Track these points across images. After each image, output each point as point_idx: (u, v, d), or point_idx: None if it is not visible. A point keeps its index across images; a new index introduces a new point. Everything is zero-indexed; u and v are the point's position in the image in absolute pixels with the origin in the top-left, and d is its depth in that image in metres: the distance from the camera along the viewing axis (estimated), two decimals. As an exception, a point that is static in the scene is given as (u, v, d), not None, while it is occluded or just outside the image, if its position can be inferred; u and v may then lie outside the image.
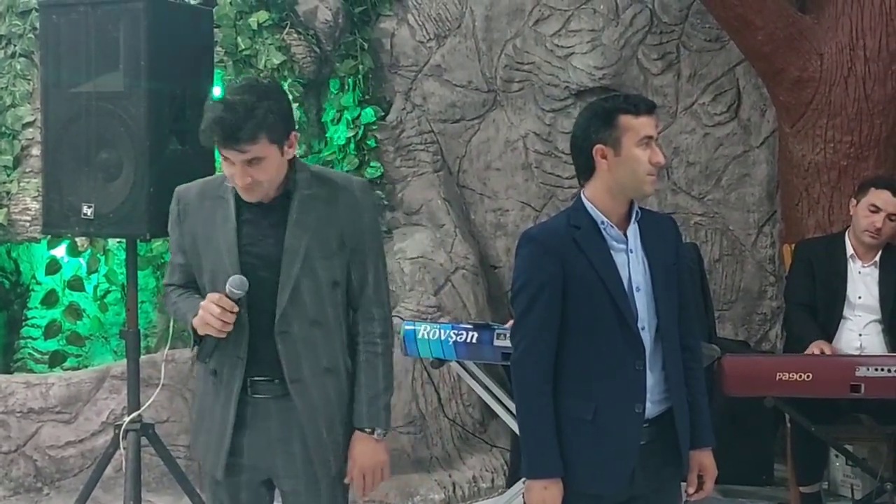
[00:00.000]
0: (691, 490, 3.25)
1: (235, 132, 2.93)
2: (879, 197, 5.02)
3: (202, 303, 3.04)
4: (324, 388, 3.11)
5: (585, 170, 3.14)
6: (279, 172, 3.06)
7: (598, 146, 3.08)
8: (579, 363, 3.07)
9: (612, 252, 3.08)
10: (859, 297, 5.05)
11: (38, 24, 4.85)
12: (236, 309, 3.02)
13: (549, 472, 3.06)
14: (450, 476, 5.95)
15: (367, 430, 3.16)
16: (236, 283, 3.00)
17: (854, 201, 5.14)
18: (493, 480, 6.01)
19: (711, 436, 3.26)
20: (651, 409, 3.09)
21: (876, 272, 5.08)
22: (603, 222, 3.10)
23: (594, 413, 3.05)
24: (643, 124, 3.06)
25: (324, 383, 3.11)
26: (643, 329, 3.07)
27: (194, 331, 3.10)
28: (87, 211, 4.23)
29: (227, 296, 2.99)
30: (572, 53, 6.90)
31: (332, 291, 3.11)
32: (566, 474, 3.06)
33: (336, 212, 3.11)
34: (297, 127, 3.18)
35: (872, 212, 5.01)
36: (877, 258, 5.09)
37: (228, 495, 3.22)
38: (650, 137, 3.06)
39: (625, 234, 3.11)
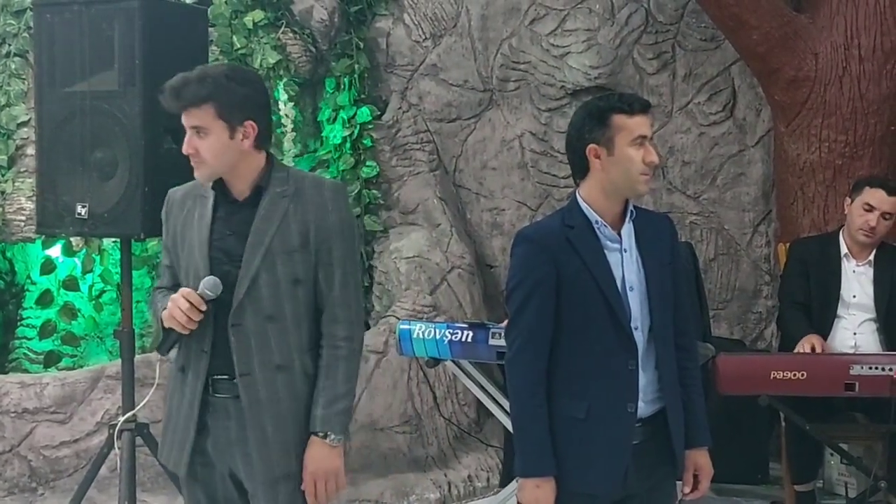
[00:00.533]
0: (687, 490, 3.25)
1: (180, 90, 3.03)
2: (873, 196, 5.02)
3: (172, 296, 3.06)
4: (273, 385, 3.08)
5: (580, 169, 3.14)
6: (228, 157, 3.06)
7: (592, 146, 3.08)
8: (572, 362, 3.07)
9: (605, 251, 3.08)
10: (854, 296, 5.06)
11: (32, 24, 4.84)
12: (205, 307, 3.03)
13: (542, 471, 3.05)
14: (445, 475, 5.95)
15: (320, 434, 3.09)
16: (209, 284, 3.02)
17: (848, 200, 5.15)
18: (488, 479, 6.02)
19: (707, 436, 3.26)
20: (644, 408, 3.09)
21: (870, 271, 5.08)
22: (597, 222, 3.09)
23: (587, 412, 3.05)
24: (637, 124, 3.05)
25: (273, 380, 3.08)
26: (636, 329, 3.07)
27: (162, 325, 3.12)
28: (82, 210, 4.23)
29: (199, 295, 3.02)
30: (568, 53, 6.90)
31: (291, 288, 3.09)
32: (559, 473, 3.06)
33: (302, 209, 3.10)
34: (264, 118, 3.16)
35: (867, 210, 5.01)
36: (871, 257, 5.09)
37: (205, 493, 3.22)
38: (644, 137, 3.05)
39: (619, 234, 3.11)
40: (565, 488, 3.07)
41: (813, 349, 4.76)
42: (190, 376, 3.13)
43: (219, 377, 3.10)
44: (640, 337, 3.08)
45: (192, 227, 3.14)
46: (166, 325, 3.08)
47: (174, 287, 3.20)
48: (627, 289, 3.08)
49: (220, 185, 3.14)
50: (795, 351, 4.82)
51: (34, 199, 4.60)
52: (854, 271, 5.11)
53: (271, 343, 3.08)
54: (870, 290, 5.05)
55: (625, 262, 3.09)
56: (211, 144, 3.03)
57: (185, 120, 3.05)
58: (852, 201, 5.11)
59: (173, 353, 3.19)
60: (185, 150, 3.05)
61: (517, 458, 3.12)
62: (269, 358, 3.08)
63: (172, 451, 3.18)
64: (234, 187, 3.14)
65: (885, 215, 5.00)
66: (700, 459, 3.23)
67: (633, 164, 3.04)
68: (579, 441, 3.06)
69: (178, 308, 3.01)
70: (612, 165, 3.06)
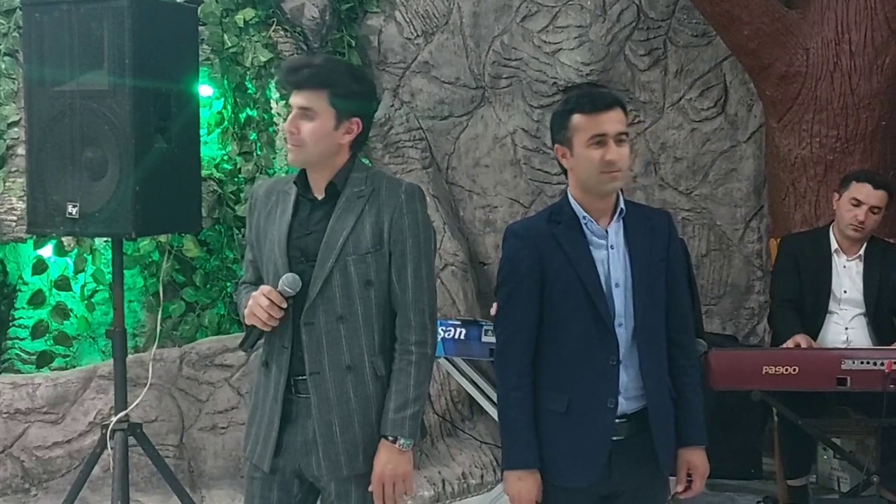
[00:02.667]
0: (680, 488, 3.24)
1: (300, 69, 3.10)
2: (861, 190, 5.03)
3: (254, 293, 3.08)
4: (342, 385, 3.09)
5: (562, 167, 3.18)
6: (326, 146, 3.08)
7: (557, 146, 3.14)
8: (555, 356, 3.11)
9: (591, 248, 3.10)
10: (844, 291, 5.06)
11: (21, 23, 4.83)
12: (285, 305, 3.05)
13: (524, 464, 3.09)
14: (439, 472, 5.95)
15: (390, 438, 3.09)
16: (289, 281, 3.04)
17: (837, 196, 5.16)
18: (482, 476, 6.02)
19: (702, 434, 3.24)
20: (628, 405, 3.10)
21: (861, 266, 5.09)
22: (584, 218, 3.11)
23: (567, 406, 3.08)
24: (594, 122, 3.04)
25: (343, 380, 3.09)
26: (620, 325, 3.08)
27: (244, 321, 3.15)
28: (73, 210, 4.23)
29: (279, 292, 3.04)
30: (560, 49, 6.90)
31: (363, 290, 3.09)
32: (543, 466, 3.09)
33: (377, 210, 3.11)
34: (368, 124, 3.22)
35: (854, 205, 5.03)
36: (861, 252, 5.10)
37: (260, 492, 3.21)
38: (603, 135, 3.03)
39: (606, 230, 3.11)
40: (548, 481, 3.11)
41: (798, 346, 4.76)
42: (273, 371, 3.15)
43: (300, 377, 3.12)
44: (623, 334, 3.09)
45: (274, 223, 3.16)
46: (248, 321, 3.10)
47: (257, 282, 3.23)
48: (613, 285, 3.09)
49: (302, 183, 3.16)
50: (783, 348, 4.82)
51: (25, 199, 4.58)
52: (845, 266, 5.11)
53: (342, 343, 3.09)
54: (860, 284, 5.06)
55: (611, 259, 3.10)
56: (315, 128, 3.06)
57: (296, 99, 3.07)
58: (840, 197, 5.12)
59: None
60: (287, 127, 3.06)
61: (502, 451, 3.17)
62: (340, 358, 3.09)
63: (257, 445, 3.19)
64: (315, 183, 3.15)
65: (874, 209, 5.01)
66: (693, 458, 3.22)
67: (591, 163, 3.05)
68: (560, 435, 3.09)
69: (259, 305, 3.03)
70: (575, 165, 3.10)
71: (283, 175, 3.39)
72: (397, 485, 3.11)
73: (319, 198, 3.14)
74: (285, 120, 3.09)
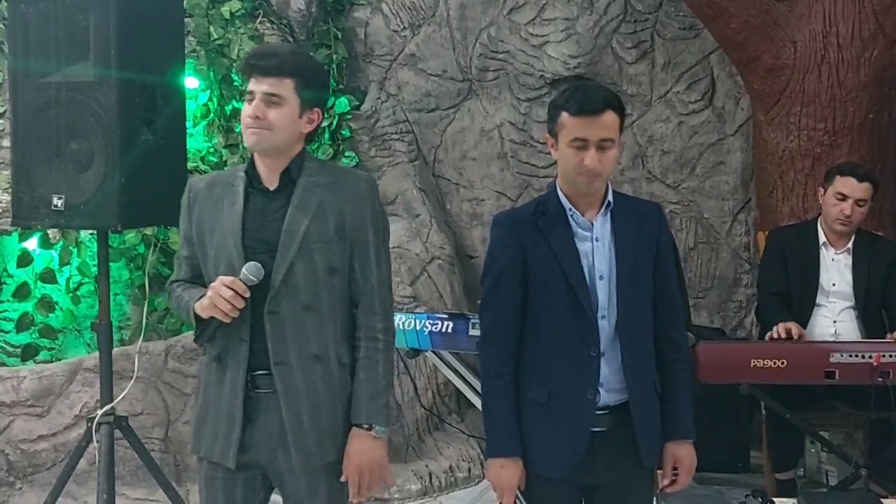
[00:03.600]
0: (665, 482, 3.23)
1: (268, 56, 3.10)
2: (845, 184, 5.02)
3: (212, 284, 3.03)
4: (310, 375, 3.07)
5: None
6: (290, 133, 3.10)
7: (547, 135, 3.14)
8: (537, 346, 3.11)
9: (576, 240, 3.09)
10: (833, 285, 5.06)
11: (6, 13, 4.79)
12: (248, 294, 3.01)
13: (506, 452, 3.11)
14: (426, 466, 5.95)
15: (365, 426, 3.10)
16: (252, 269, 3.00)
17: (822, 190, 5.15)
18: (469, 470, 6.02)
19: (689, 428, 3.22)
20: (609, 397, 3.09)
21: (849, 259, 5.08)
22: (570, 209, 3.11)
23: (548, 396, 3.08)
24: (575, 125, 3.01)
25: (310, 369, 3.07)
26: (603, 318, 3.07)
27: (196, 316, 3.09)
28: (58, 202, 4.19)
29: (241, 281, 3.00)
30: (547, 42, 6.90)
31: (328, 278, 3.10)
32: (524, 455, 3.11)
33: (338, 199, 3.12)
34: (325, 114, 3.26)
35: (840, 200, 5.02)
36: (849, 244, 5.10)
37: (224, 491, 3.17)
38: (582, 140, 3.00)
39: (591, 222, 3.11)
40: (530, 471, 3.12)
41: (789, 332, 4.74)
42: (230, 366, 3.10)
43: (259, 372, 3.08)
44: (605, 326, 3.08)
45: (223, 215, 3.12)
46: (206, 314, 3.04)
47: (193, 279, 3.20)
48: (597, 277, 3.08)
49: (250, 174, 3.15)
50: (768, 337, 4.81)
51: (9, 191, 4.55)
52: (833, 259, 5.11)
53: (308, 332, 3.08)
54: (849, 277, 5.06)
55: (595, 251, 3.09)
56: (282, 115, 3.06)
57: (261, 86, 3.05)
58: (825, 191, 5.11)
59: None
60: (252, 112, 3.04)
61: (486, 439, 3.18)
62: (306, 347, 3.07)
63: (216, 443, 3.13)
64: (267, 173, 3.14)
65: (859, 202, 5.01)
66: (679, 452, 3.20)
67: (569, 163, 3.04)
68: (540, 424, 3.10)
69: (221, 296, 2.99)
70: (559, 159, 3.10)
71: (222, 170, 3.33)
72: (373, 473, 3.12)
73: (272, 188, 3.13)
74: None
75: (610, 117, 3.02)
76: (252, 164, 3.17)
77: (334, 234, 3.09)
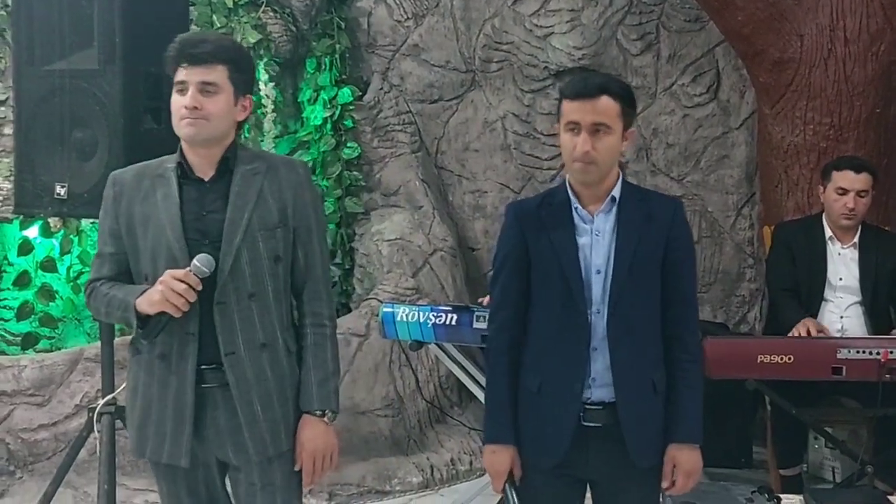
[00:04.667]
0: (665, 484, 3.19)
1: (199, 45, 3.02)
2: (844, 178, 5.01)
3: (162, 278, 2.96)
4: (259, 364, 3.06)
5: None
6: (227, 122, 3.07)
7: (556, 125, 3.13)
8: (535, 336, 3.13)
9: (577, 233, 3.08)
10: (840, 279, 5.03)
11: (10, 1, 4.77)
12: (200, 287, 2.97)
13: (498, 438, 3.15)
14: (427, 459, 5.93)
15: (317, 412, 3.12)
16: (204, 261, 2.96)
17: (822, 188, 5.14)
18: (471, 463, 6.00)
19: (693, 431, 3.13)
20: (603, 393, 3.07)
21: (855, 253, 5.06)
22: (574, 202, 3.10)
23: (539, 387, 3.10)
24: (570, 109, 3.02)
25: (259, 358, 3.06)
26: (597, 312, 3.05)
27: (137, 313, 3.00)
28: (61, 191, 4.16)
29: (193, 273, 2.96)
30: (551, 33, 6.87)
31: (273, 266, 3.08)
32: (518, 442, 3.14)
33: (278, 187, 3.10)
34: (253, 97, 3.22)
35: (841, 194, 5.00)
36: (856, 239, 5.07)
37: (187, 487, 3.17)
38: (575, 123, 2.99)
39: (593, 216, 3.09)
40: (523, 458, 3.15)
41: (808, 333, 4.73)
42: (175, 363, 3.04)
43: (206, 367, 3.04)
44: (599, 321, 3.06)
45: (157, 208, 3.05)
46: (154, 309, 2.96)
47: (118, 277, 3.12)
48: (593, 272, 3.06)
49: (181, 165, 3.09)
50: (790, 335, 4.79)
51: (12, 178, 4.52)
52: (840, 254, 5.08)
53: (255, 321, 3.06)
54: (856, 272, 5.03)
55: (594, 246, 3.07)
56: (219, 104, 3.02)
57: (194, 75, 3.00)
58: (825, 189, 5.09)
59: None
60: (189, 103, 2.98)
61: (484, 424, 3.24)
62: (254, 336, 3.05)
63: (163, 443, 3.08)
64: (200, 164, 3.09)
65: (860, 193, 4.99)
66: (679, 455, 3.12)
67: (565, 149, 3.05)
68: (531, 414, 3.12)
69: (173, 290, 2.93)
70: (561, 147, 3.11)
71: (147, 161, 3.26)
72: (326, 459, 3.15)
73: (206, 178, 3.09)
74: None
75: (606, 102, 3.00)
76: (182, 155, 3.10)
77: (278, 222, 3.08)
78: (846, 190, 4.99)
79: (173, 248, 3.01)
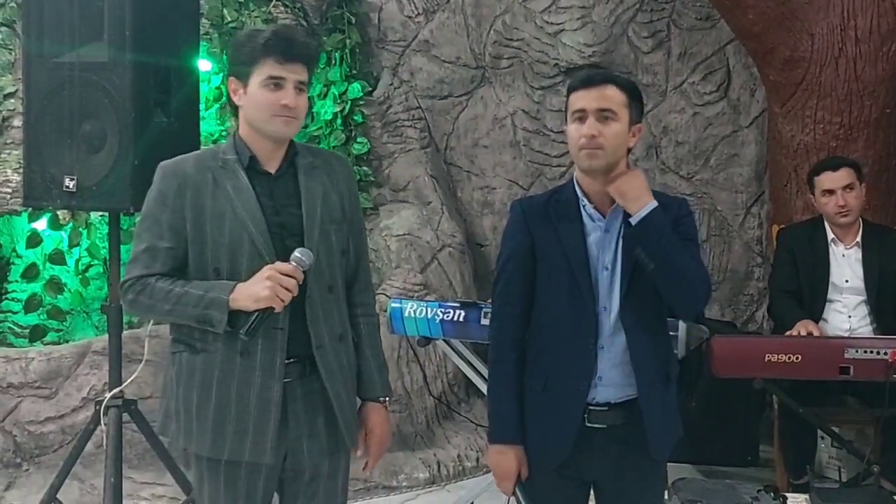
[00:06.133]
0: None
1: (296, 43, 3.01)
2: (825, 180, 5.04)
3: (266, 273, 2.91)
4: (338, 355, 3.09)
5: None
6: (303, 118, 3.11)
7: (565, 125, 3.16)
8: (540, 334, 3.11)
9: (585, 230, 3.08)
10: (846, 281, 5.02)
11: (20, -7, 4.78)
12: (303, 280, 2.98)
13: (505, 438, 3.12)
14: (434, 455, 5.93)
15: (381, 399, 3.22)
16: (306, 255, 2.96)
17: (811, 197, 5.15)
18: (477, 459, 6.00)
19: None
20: (608, 393, 3.05)
21: (859, 253, 5.05)
22: (582, 200, 3.10)
23: (544, 384, 3.08)
24: (577, 98, 3.05)
25: (338, 349, 3.09)
26: (604, 309, 3.05)
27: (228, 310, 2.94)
28: (70, 183, 4.16)
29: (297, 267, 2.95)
30: (562, 30, 6.86)
31: (340, 258, 3.12)
32: (524, 442, 3.12)
33: (336, 181, 3.14)
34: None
35: (829, 195, 5.02)
36: (858, 238, 5.07)
37: (246, 491, 3.07)
38: (582, 110, 3.02)
39: (603, 214, 3.08)
40: (529, 458, 3.13)
41: (810, 334, 4.73)
42: (260, 359, 2.99)
43: (288, 361, 3.01)
44: (606, 318, 3.05)
45: (232, 201, 2.99)
46: (259, 305, 2.90)
47: (173, 272, 3.02)
48: (601, 269, 3.06)
49: (245, 157, 3.05)
50: (788, 334, 4.78)
51: (21, 171, 4.52)
52: (843, 255, 5.08)
53: (333, 313, 3.09)
54: (860, 272, 5.03)
55: (603, 243, 3.07)
56: (305, 101, 3.07)
57: (293, 73, 2.99)
58: (814, 196, 5.12)
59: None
60: (291, 102, 2.98)
61: (488, 424, 3.22)
62: (333, 328, 3.09)
63: (244, 440, 2.99)
64: (267, 159, 3.07)
65: (847, 188, 5.01)
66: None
67: (571, 139, 3.06)
68: (536, 412, 3.10)
69: (281, 286, 2.90)
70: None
71: (198, 151, 3.21)
72: (387, 443, 3.27)
73: (272, 171, 3.07)
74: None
75: (611, 90, 3.03)
76: (243, 146, 3.06)
77: (340, 216, 3.12)
78: (832, 190, 5.01)
79: (257, 243, 2.97)
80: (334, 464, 3.15)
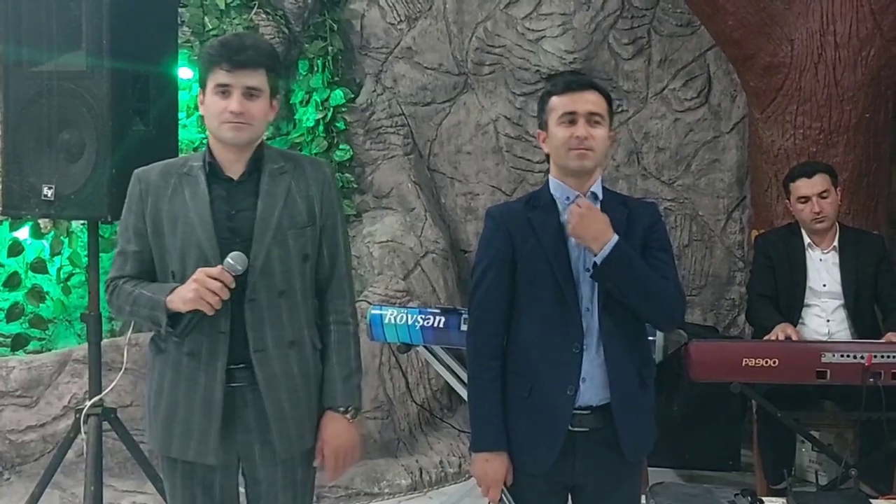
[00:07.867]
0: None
1: (244, 51, 3.02)
2: (801, 187, 5.06)
3: (195, 276, 2.96)
4: (286, 361, 3.08)
5: (547, 156, 3.21)
6: (263, 123, 3.11)
7: (539, 131, 3.20)
8: (522, 340, 3.11)
9: (565, 233, 3.09)
10: (823, 285, 5.04)
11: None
12: (234, 285, 2.98)
13: (490, 446, 3.11)
14: (417, 461, 5.93)
15: (340, 409, 3.15)
16: (238, 259, 2.98)
17: (787, 203, 5.18)
18: (460, 465, 6.00)
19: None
20: (591, 395, 3.07)
21: (836, 257, 5.07)
22: (561, 203, 3.12)
23: (530, 390, 3.08)
24: (563, 101, 3.09)
25: (287, 356, 3.08)
26: (587, 311, 3.07)
27: (167, 311, 3.00)
28: (48, 192, 4.16)
29: (226, 271, 2.97)
30: (543, 37, 6.87)
31: (301, 264, 3.11)
32: (509, 450, 3.11)
33: (306, 185, 3.13)
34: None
35: (804, 203, 5.04)
36: (835, 242, 5.09)
37: (203, 487, 3.15)
38: (572, 113, 3.07)
39: None
40: (514, 465, 3.13)
41: (788, 338, 4.74)
42: (205, 360, 3.04)
43: (234, 366, 3.05)
44: (590, 320, 3.07)
45: (186, 206, 3.06)
46: (187, 307, 2.97)
47: (141, 275, 3.12)
48: (582, 271, 3.08)
49: (210, 164, 3.10)
50: (766, 339, 4.80)
51: (0, 180, 4.52)
52: (821, 259, 5.10)
53: (283, 319, 3.08)
54: (838, 276, 5.05)
55: (582, 245, 3.08)
56: (261, 107, 3.07)
57: (238, 79, 3.01)
58: (790, 202, 5.14)
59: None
60: (235, 108, 3.00)
61: (471, 433, 3.19)
62: (282, 334, 3.08)
63: (190, 441, 3.07)
64: (230, 163, 3.10)
65: (822, 194, 5.03)
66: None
67: (559, 139, 3.08)
68: (522, 419, 3.10)
69: (208, 289, 2.94)
70: (550, 145, 3.14)
71: (170, 159, 3.27)
72: (348, 455, 3.18)
73: (235, 177, 3.10)
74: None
75: (595, 96, 3.11)
76: (209, 153, 3.12)
77: (307, 221, 3.12)
78: (807, 196, 5.03)
79: (204, 247, 3.02)
80: (289, 471, 3.14)
